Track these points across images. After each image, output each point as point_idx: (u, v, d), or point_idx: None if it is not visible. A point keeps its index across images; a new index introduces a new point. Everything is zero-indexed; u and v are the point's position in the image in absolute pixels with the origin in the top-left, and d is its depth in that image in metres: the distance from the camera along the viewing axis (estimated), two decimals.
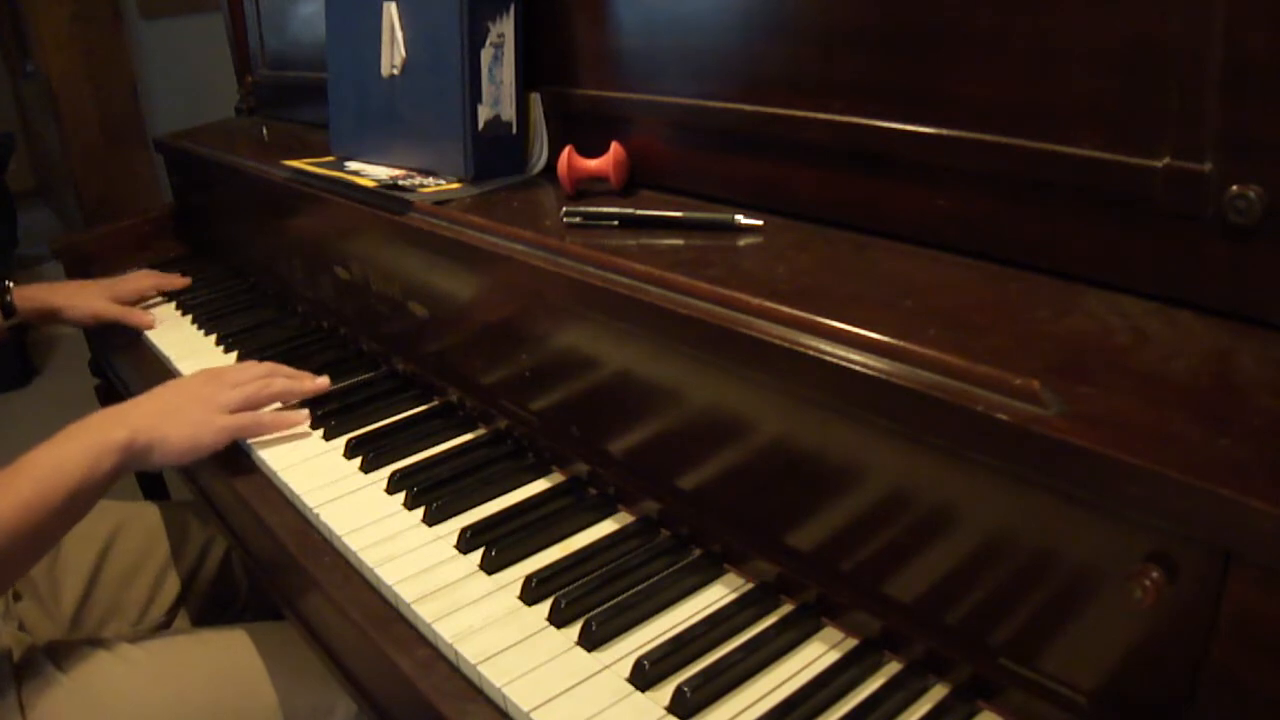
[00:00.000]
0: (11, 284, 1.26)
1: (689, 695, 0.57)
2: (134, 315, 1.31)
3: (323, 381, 1.00)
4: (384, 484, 0.84)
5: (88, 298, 1.31)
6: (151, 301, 1.40)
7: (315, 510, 0.81)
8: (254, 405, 0.94)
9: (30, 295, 1.27)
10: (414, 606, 0.68)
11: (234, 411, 0.92)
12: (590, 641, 0.63)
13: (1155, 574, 0.44)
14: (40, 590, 1.05)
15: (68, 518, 0.81)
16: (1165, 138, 0.55)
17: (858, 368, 0.54)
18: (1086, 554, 0.48)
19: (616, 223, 0.81)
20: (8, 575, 0.80)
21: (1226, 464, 0.42)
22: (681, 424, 0.70)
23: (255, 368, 0.99)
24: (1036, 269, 0.63)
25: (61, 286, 1.35)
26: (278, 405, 0.98)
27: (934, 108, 0.66)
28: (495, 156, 0.99)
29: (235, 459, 0.93)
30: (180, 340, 1.24)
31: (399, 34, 1.02)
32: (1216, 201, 0.53)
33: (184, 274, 1.47)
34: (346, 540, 0.76)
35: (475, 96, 0.96)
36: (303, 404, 0.99)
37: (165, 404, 0.90)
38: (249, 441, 0.93)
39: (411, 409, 0.98)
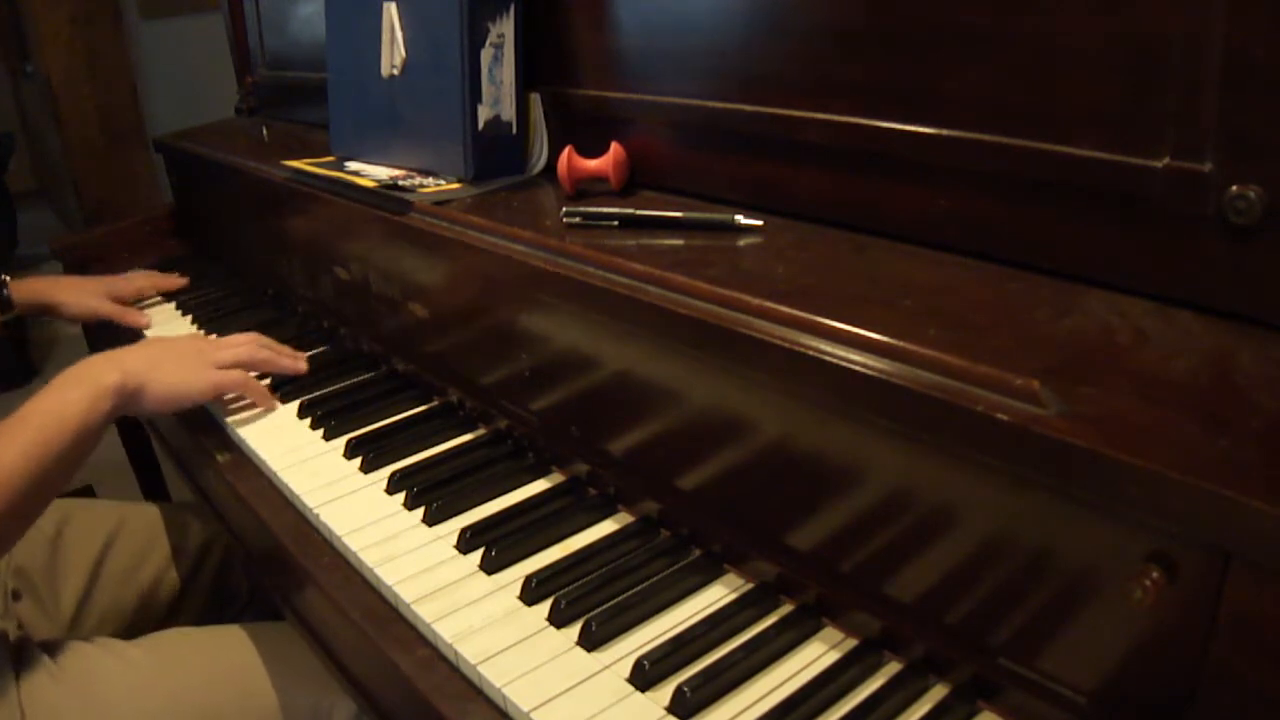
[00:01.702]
0: (8, 278, 1.25)
1: (689, 695, 0.57)
2: (129, 315, 1.31)
3: (301, 365, 1.05)
4: (384, 484, 0.84)
5: (86, 294, 1.31)
6: (149, 301, 1.40)
7: (315, 510, 0.81)
8: (240, 364, 0.99)
9: (28, 288, 1.27)
10: (414, 606, 0.68)
11: (222, 366, 0.97)
12: (590, 642, 0.63)
13: (1155, 574, 0.44)
14: (40, 589, 1.04)
15: (71, 462, 0.83)
16: (1165, 138, 0.55)
17: (858, 368, 0.54)
18: (1086, 554, 0.48)
19: (616, 223, 0.81)
20: (18, 523, 0.82)
21: (1226, 464, 0.42)
22: (681, 424, 0.70)
23: (242, 335, 1.04)
24: (1036, 269, 0.63)
25: (60, 281, 1.35)
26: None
27: (934, 108, 0.66)
28: (495, 156, 0.99)
29: (235, 459, 0.93)
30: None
31: (399, 34, 1.02)
32: (1216, 201, 0.53)
33: (184, 274, 1.47)
34: (346, 540, 0.76)
35: (475, 96, 0.96)
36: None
37: (157, 352, 0.95)
38: (249, 440, 0.93)
39: (411, 409, 0.98)
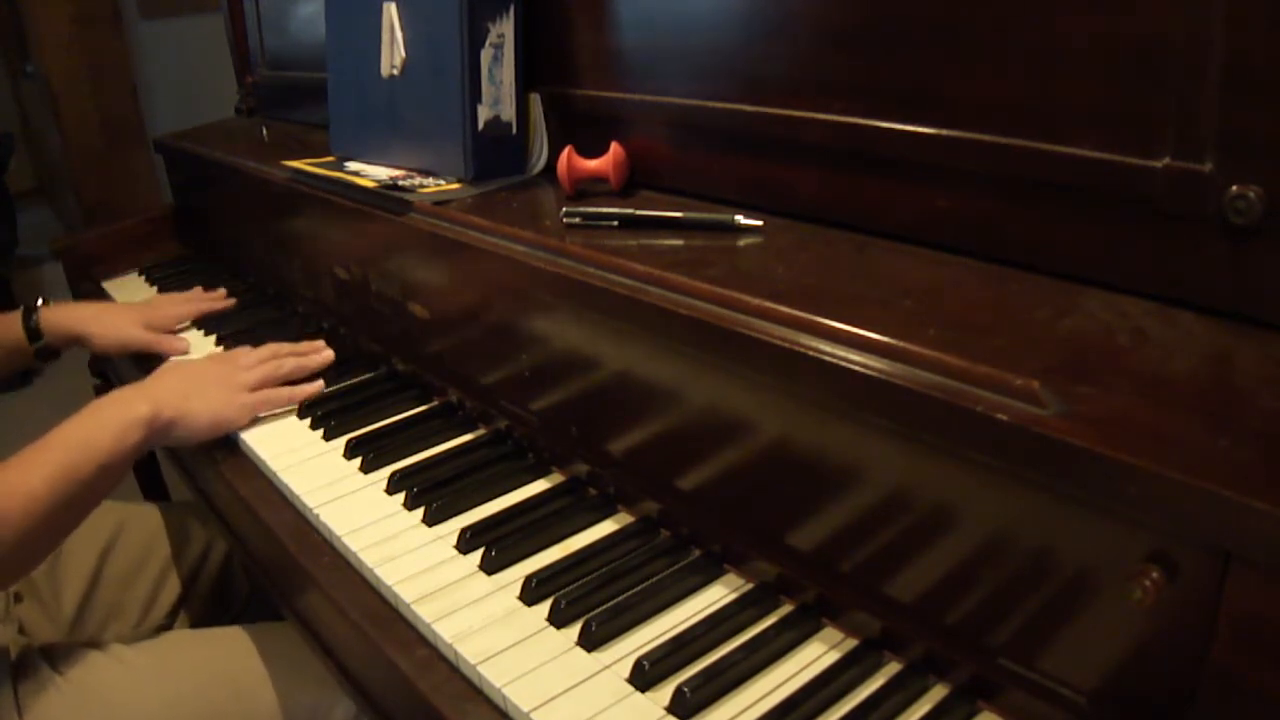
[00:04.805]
0: (41, 303, 1.19)
1: (689, 695, 0.57)
2: (165, 342, 1.19)
3: (328, 354, 1.04)
4: (384, 484, 0.84)
5: (118, 324, 1.20)
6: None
7: (315, 510, 0.81)
8: (269, 385, 0.98)
9: (60, 317, 1.19)
10: (414, 607, 0.68)
11: (252, 390, 0.96)
12: (590, 642, 0.63)
13: (1155, 574, 0.44)
14: (41, 592, 1.04)
15: (96, 492, 0.83)
16: (1165, 138, 0.55)
17: (857, 368, 0.54)
18: (1086, 554, 0.48)
19: (616, 223, 0.81)
20: (39, 550, 0.82)
21: (1226, 464, 0.42)
22: (681, 424, 0.70)
23: (261, 350, 1.02)
24: (1036, 269, 0.63)
25: (92, 309, 1.25)
26: None
27: (934, 108, 0.66)
28: (495, 157, 0.99)
29: (235, 459, 0.93)
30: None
31: (399, 34, 1.02)
32: (1216, 201, 0.53)
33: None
34: (346, 540, 0.76)
35: (475, 96, 0.96)
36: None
37: (186, 382, 0.93)
38: (248, 441, 0.93)
39: (411, 409, 0.98)
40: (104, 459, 0.81)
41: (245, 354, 1.01)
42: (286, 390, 0.98)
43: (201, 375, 0.95)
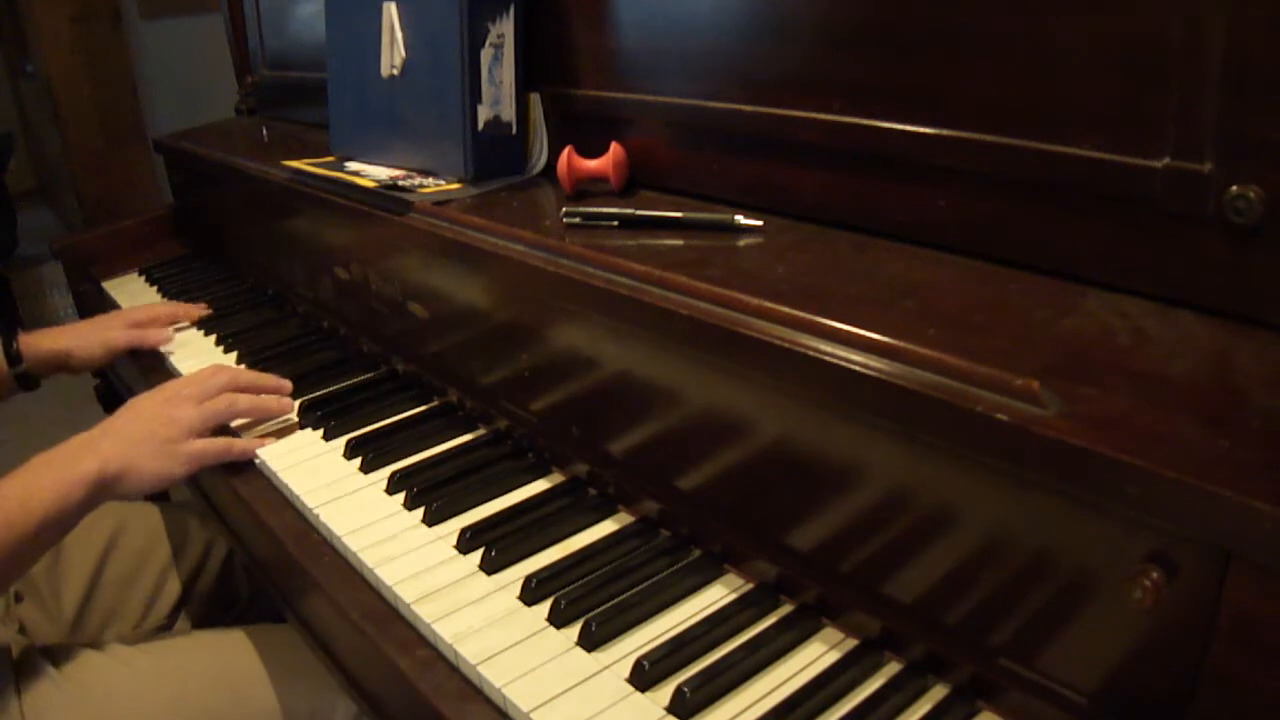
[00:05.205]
0: (20, 331, 1.19)
1: (689, 695, 0.57)
2: (147, 335, 1.22)
3: (286, 403, 0.99)
4: (384, 484, 0.84)
5: (97, 332, 1.22)
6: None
7: (315, 511, 0.81)
8: (221, 422, 0.94)
9: (39, 342, 1.19)
10: (414, 607, 0.68)
11: (201, 430, 0.91)
12: (590, 642, 0.63)
13: (1155, 574, 0.44)
14: (41, 592, 1.05)
15: (36, 549, 0.81)
16: (1165, 138, 0.55)
17: (858, 368, 0.54)
18: (1086, 554, 0.48)
19: (616, 223, 0.81)
20: None
21: (1226, 464, 0.42)
22: (681, 424, 0.70)
23: (217, 378, 0.95)
24: (1036, 269, 0.63)
25: (70, 329, 1.25)
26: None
27: (934, 108, 0.66)
28: (495, 157, 0.99)
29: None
30: (180, 340, 1.24)
31: (399, 34, 1.02)
32: (1216, 201, 0.53)
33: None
34: (346, 541, 0.76)
35: (475, 97, 0.96)
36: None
37: (133, 430, 0.89)
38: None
39: (411, 409, 0.98)
40: (42, 518, 0.78)
41: (199, 385, 0.94)
42: (240, 444, 0.92)
43: (149, 419, 0.90)
